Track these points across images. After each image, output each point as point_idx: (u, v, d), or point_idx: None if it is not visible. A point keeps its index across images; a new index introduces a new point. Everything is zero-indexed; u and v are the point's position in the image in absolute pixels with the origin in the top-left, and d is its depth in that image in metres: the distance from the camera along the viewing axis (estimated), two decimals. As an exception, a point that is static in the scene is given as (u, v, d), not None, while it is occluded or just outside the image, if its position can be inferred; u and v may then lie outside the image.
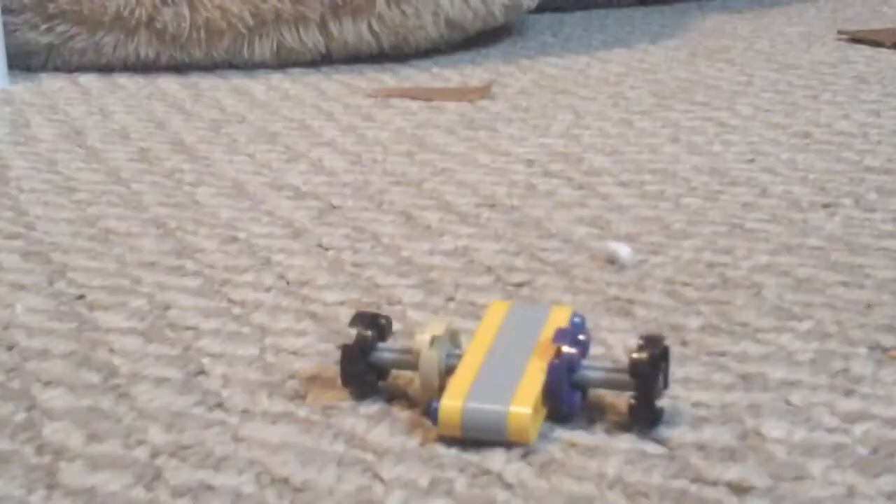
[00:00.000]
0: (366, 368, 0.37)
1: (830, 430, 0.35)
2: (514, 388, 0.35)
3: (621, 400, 0.37)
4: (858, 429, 0.36)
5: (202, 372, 0.40)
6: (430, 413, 0.35)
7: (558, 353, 0.36)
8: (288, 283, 0.48)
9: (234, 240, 0.53)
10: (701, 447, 0.35)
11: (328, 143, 0.70)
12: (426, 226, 0.54)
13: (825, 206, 0.57)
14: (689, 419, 0.36)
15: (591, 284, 0.47)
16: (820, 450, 0.34)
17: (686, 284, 0.47)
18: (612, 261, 0.49)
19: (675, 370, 0.39)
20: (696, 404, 0.37)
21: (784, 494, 0.32)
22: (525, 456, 0.34)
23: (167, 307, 0.45)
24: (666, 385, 0.36)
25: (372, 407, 0.37)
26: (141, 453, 0.34)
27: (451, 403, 0.35)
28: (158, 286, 0.47)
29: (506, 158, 0.66)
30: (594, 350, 0.41)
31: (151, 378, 0.39)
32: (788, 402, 0.37)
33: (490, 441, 0.35)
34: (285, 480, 0.33)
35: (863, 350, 0.41)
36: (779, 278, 0.47)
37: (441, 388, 0.36)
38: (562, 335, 0.36)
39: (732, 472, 0.33)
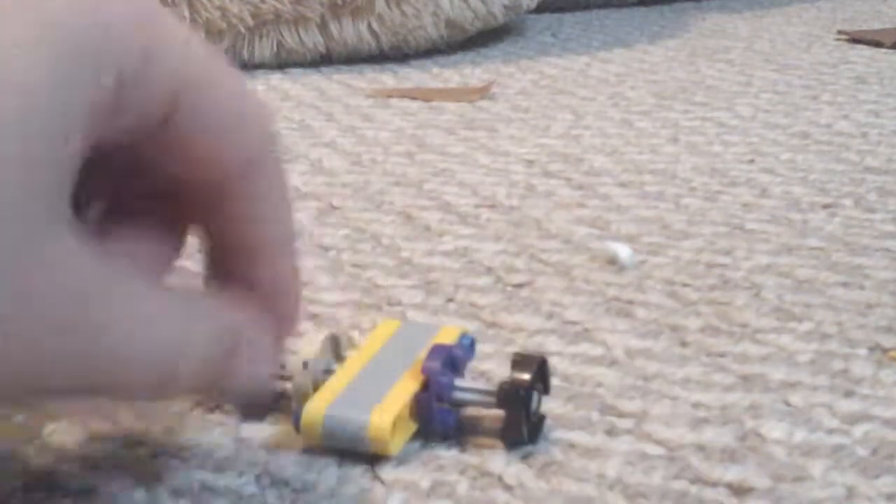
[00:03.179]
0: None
1: (830, 431, 0.35)
2: (379, 400, 0.34)
3: (620, 401, 0.37)
4: (858, 430, 0.36)
5: (202, 373, 0.40)
6: (293, 419, 0.34)
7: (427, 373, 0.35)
8: (288, 283, 0.48)
9: (235, 240, 0.53)
10: (701, 448, 0.35)
11: (328, 144, 0.70)
12: (426, 226, 0.54)
13: (825, 206, 0.57)
14: (689, 420, 0.36)
15: (591, 285, 0.47)
16: (820, 451, 0.34)
17: (686, 285, 0.47)
18: (612, 261, 0.49)
19: (675, 371, 0.39)
20: (695, 405, 0.37)
21: (784, 495, 0.32)
22: (525, 458, 0.34)
23: (167, 308, 0.45)
24: (545, 393, 0.35)
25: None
26: (141, 454, 0.34)
27: (314, 410, 0.34)
28: (159, 287, 0.47)
29: (505, 159, 0.66)
30: (594, 351, 0.41)
31: (152, 379, 0.39)
32: (788, 403, 0.37)
33: (490, 442, 0.35)
34: (286, 482, 0.33)
35: (863, 351, 0.41)
36: (779, 279, 0.47)
37: None
38: (435, 353, 0.35)
39: (732, 473, 0.33)
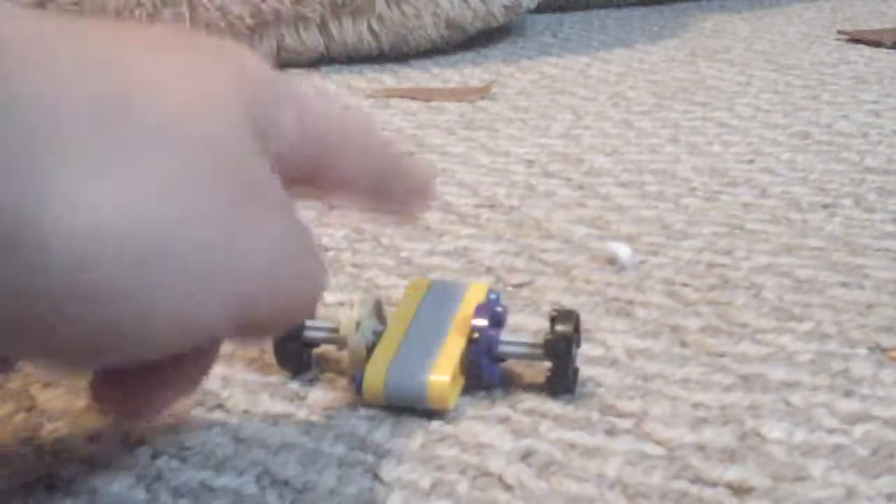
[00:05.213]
0: (300, 347, 0.39)
1: (830, 431, 0.35)
2: (434, 359, 0.37)
3: (620, 401, 0.37)
4: (858, 430, 0.36)
5: (202, 373, 0.40)
6: (355, 383, 0.37)
7: (477, 330, 0.38)
8: (288, 283, 0.48)
9: (235, 240, 0.53)
10: (701, 448, 0.35)
11: (328, 144, 0.70)
12: (426, 226, 0.54)
13: (825, 206, 0.57)
14: (689, 420, 0.36)
15: (591, 285, 0.47)
16: (820, 451, 0.34)
17: (686, 285, 0.47)
18: (612, 261, 0.49)
19: (675, 371, 0.39)
20: (696, 405, 0.37)
21: (784, 495, 0.32)
22: (525, 457, 0.34)
23: (167, 308, 0.45)
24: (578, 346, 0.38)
25: (373, 408, 0.37)
26: (142, 454, 0.34)
27: (375, 372, 0.37)
28: (159, 287, 0.47)
29: (506, 159, 0.66)
30: (594, 351, 0.41)
31: (152, 379, 0.39)
32: (788, 403, 0.37)
33: (490, 442, 0.35)
34: (286, 482, 0.33)
35: (862, 351, 0.41)
36: (779, 279, 0.47)
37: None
38: (481, 310, 0.38)
39: (732, 473, 0.33)
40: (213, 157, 0.27)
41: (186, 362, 0.30)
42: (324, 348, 0.40)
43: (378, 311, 0.40)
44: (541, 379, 0.38)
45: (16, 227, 0.23)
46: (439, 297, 0.41)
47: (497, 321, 0.38)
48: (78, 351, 0.26)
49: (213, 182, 0.26)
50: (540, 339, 0.37)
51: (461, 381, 0.37)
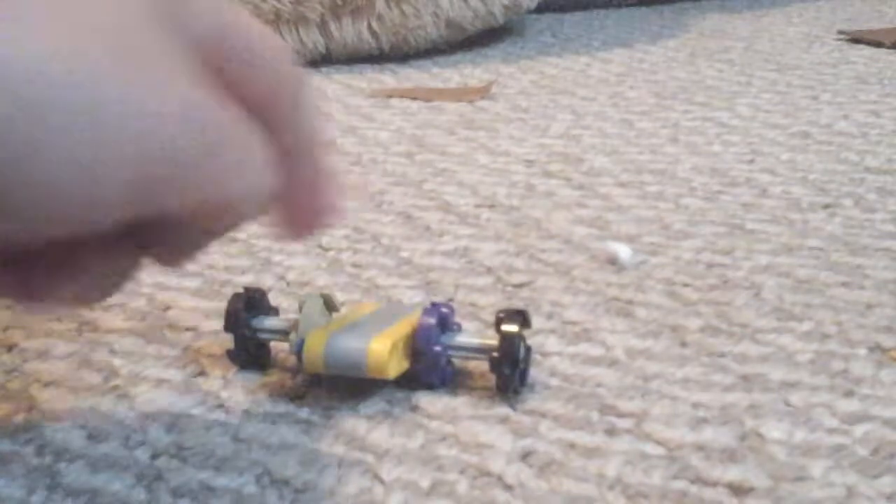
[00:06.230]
0: (254, 343, 0.39)
1: (830, 431, 0.35)
2: (377, 333, 0.37)
3: (620, 401, 0.37)
4: (858, 430, 0.36)
5: (202, 373, 0.40)
6: (295, 348, 0.37)
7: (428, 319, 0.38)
8: (288, 283, 0.48)
9: (234, 240, 0.53)
10: (701, 448, 0.35)
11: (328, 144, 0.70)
12: (426, 226, 0.54)
13: (825, 206, 0.57)
14: (689, 420, 0.36)
15: (591, 285, 0.47)
16: (820, 451, 0.34)
17: (686, 285, 0.47)
18: (612, 261, 0.49)
19: (675, 371, 0.39)
20: (695, 405, 0.37)
21: (784, 495, 0.32)
22: (525, 457, 0.34)
23: (167, 308, 0.45)
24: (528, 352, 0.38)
25: (373, 408, 0.37)
26: (142, 454, 0.34)
27: (316, 337, 0.37)
28: (158, 287, 0.47)
29: (505, 159, 0.66)
30: (594, 351, 0.41)
31: (152, 379, 0.39)
32: (788, 403, 0.37)
33: (490, 442, 0.35)
34: (286, 482, 0.33)
35: (863, 351, 0.41)
36: (779, 279, 0.47)
37: None
38: (430, 310, 0.38)
39: (732, 473, 0.33)
40: (110, 14, 0.25)
41: (91, 251, 0.28)
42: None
43: (329, 301, 0.40)
44: (541, 378, 0.38)
45: None
46: (390, 307, 0.41)
47: (444, 323, 0.38)
48: None
49: (109, 37, 0.25)
50: (490, 339, 0.38)
51: (405, 363, 0.37)
